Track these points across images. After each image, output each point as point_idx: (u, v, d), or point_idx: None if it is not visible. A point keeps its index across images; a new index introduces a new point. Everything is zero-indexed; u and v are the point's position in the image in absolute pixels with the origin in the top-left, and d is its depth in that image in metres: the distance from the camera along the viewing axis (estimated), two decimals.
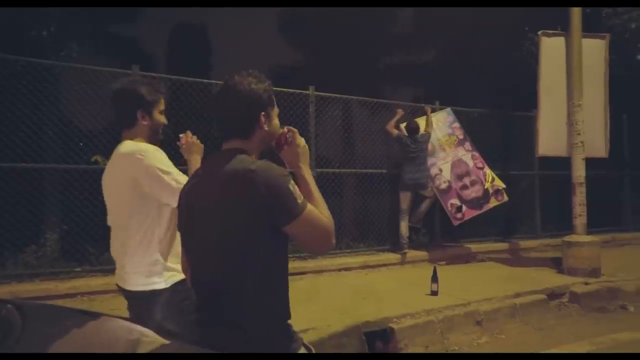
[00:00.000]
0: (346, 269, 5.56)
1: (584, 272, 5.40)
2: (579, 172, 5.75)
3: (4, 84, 4.33)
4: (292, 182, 1.30)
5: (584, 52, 5.88)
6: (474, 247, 6.81)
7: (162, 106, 1.92)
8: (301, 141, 1.48)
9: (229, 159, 1.32)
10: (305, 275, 5.22)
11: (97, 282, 4.34)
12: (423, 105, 6.78)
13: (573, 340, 3.81)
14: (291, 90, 5.73)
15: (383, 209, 6.69)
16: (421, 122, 6.41)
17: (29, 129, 4.48)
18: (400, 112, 6.40)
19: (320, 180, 5.81)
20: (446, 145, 6.66)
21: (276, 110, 1.47)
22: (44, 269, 4.50)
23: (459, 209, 6.32)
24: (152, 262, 1.78)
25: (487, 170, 6.57)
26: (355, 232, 6.83)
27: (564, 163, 6.15)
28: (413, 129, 6.19)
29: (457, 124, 6.78)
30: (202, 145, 2.04)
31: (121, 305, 1.99)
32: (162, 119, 1.93)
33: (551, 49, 6.04)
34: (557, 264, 5.94)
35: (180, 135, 2.02)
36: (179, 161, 1.97)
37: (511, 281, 5.08)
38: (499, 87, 8.31)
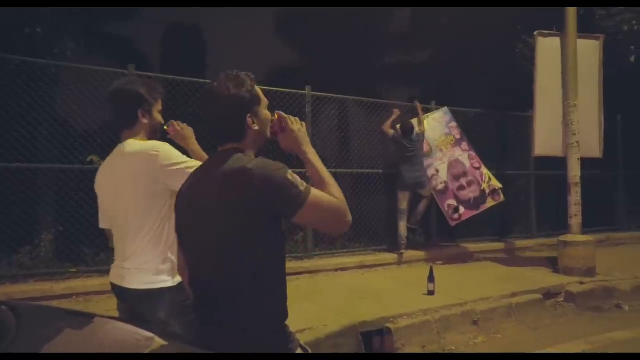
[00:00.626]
0: (343, 269, 5.56)
1: (579, 272, 5.43)
2: (575, 172, 5.78)
3: None
4: (290, 172, 1.29)
5: (578, 52, 5.92)
6: (470, 246, 6.83)
7: (159, 106, 1.94)
8: (295, 125, 1.46)
9: (226, 158, 1.32)
10: (301, 275, 5.21)
11: (93, 282, 4.32)
12: (417, 104, 6.77)
13: (569, 340, 3.82)
14: (287, 90, 5.72)
15: (379, 209, 6.70)
16: (416, 122, 6.42)
17: (24, 128, 4.45)
18: (396, 112, 6.40)
19: None
20: (443, 146, 6.67)
21: (264, 103, 1.45)
22: (38, 269, 4.47)
23: (456, 209, 6.33)
24: (162, 259, 1.78)
25: (484, 170, 6.58)
26: (351, 232, 6.83)
27: (559, 163, 6.18)
28: (408, 129, 6.20)
29: (454, 123, 6.79)
30: (191, 128, 2.08)
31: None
32: (160, 118, 1.96)
33: (547, 49, 6.07)
34: (552, 264, 5.96)
35: (165, 127, 2.04)
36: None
37: (507, 281, 5.10)
38: (496, 87, 8.36)
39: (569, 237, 5.71)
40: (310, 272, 5.34)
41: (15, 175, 4.53)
